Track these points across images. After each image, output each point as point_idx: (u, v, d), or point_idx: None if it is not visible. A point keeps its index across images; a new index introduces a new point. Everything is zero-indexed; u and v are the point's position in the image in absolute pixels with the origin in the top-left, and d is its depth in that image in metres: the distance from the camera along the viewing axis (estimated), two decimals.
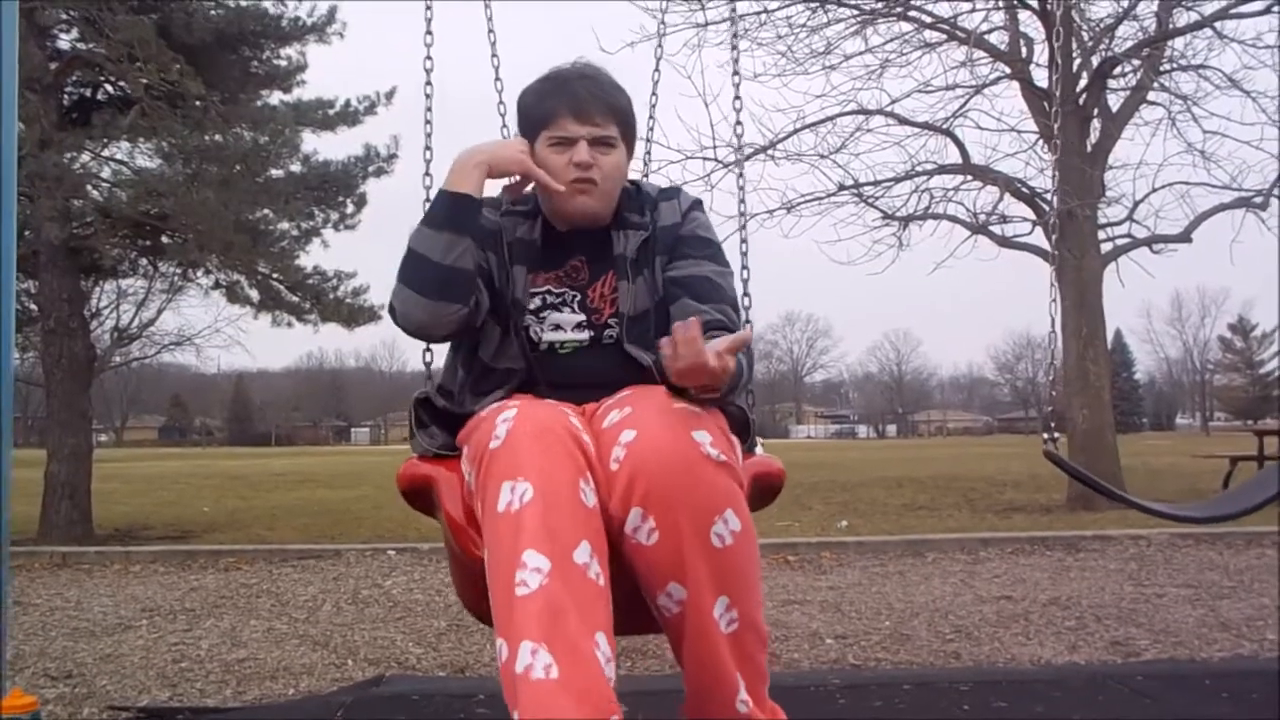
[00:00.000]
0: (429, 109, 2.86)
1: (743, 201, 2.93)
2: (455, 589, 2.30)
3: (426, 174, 2.75)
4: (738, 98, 3.02)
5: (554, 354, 2.25)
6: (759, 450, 2.33)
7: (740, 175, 3.14)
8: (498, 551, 1.76)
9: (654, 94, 3.32)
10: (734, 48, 3.14)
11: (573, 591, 1.70)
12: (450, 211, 2.14)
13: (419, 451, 2.25)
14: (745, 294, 2.56)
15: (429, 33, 2.89)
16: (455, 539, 2.04)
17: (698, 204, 2.40)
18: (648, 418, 1.89)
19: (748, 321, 2.47)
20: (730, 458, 1.86)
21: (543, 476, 1.78)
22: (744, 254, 2.74)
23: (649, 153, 3.44)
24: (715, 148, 10.87)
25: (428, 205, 2.21)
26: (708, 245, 2.33)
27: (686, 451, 1.82)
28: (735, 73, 3.05)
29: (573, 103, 2.21)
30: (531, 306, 2.26)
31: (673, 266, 2.27)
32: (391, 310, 2.21)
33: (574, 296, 2.27)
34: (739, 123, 3.07)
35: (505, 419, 1.88)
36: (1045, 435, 3.15)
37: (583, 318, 2.26)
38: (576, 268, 2.29)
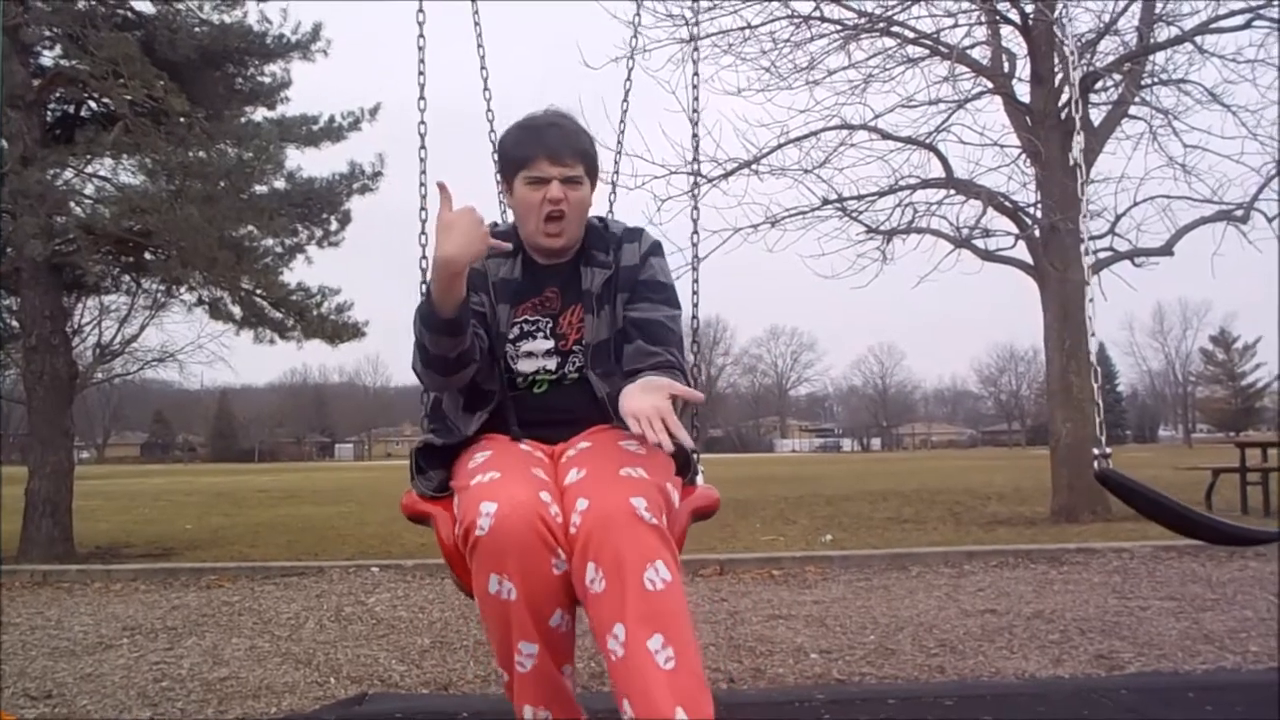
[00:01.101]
0: (422, 122, 3.06)
1: (695, 233, 3.23)
2: (451, 577, 2.60)
3: (423, 209, 3.09)
4: (696, 110, 3.22)
5: (530, 392, 2.65)
6: (700, 480, 2.78)
7: (695, 207, 3.39)
8: (494, 626, 2.30)
9: (625, 100, 3.52)
10: (695, 62, 3.21)
11: (552, 651, 2.30)
12: (449, 326, 2.39)
13: (418, 493, 2.65)
14: (695, 317, 3.09)
15: (421, 46, 2.96)
16: (450, 567, 2.49)
17: (656, 247, 2.75)
18: (598, 487, 2.28)
19: (696, 367, 2.93)
20: (659, 522, 2.22)
21: (524, 574, 2.22)
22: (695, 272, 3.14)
23: (617, 162, 3.63)
24: (699, 162, 10.86)
25: (425, 300, 2.41)
26: (663, 290, 2.70)
27: (626, 516, 2.20)
28: (695, 86, 3.20)
29: (547, 148, 2.58)
30: (511, 336, 2.64)
31: (631, 307, 2.65)
32: (416, 372, 2.54)
33: (546, 323, 2.65)
34: (695, 135, 3.36)
35: (488, 512, 2.23)
36: (1096, 450, 2.92)
37: (552, 344, 2.64)
38: (550, 298, 2.66)
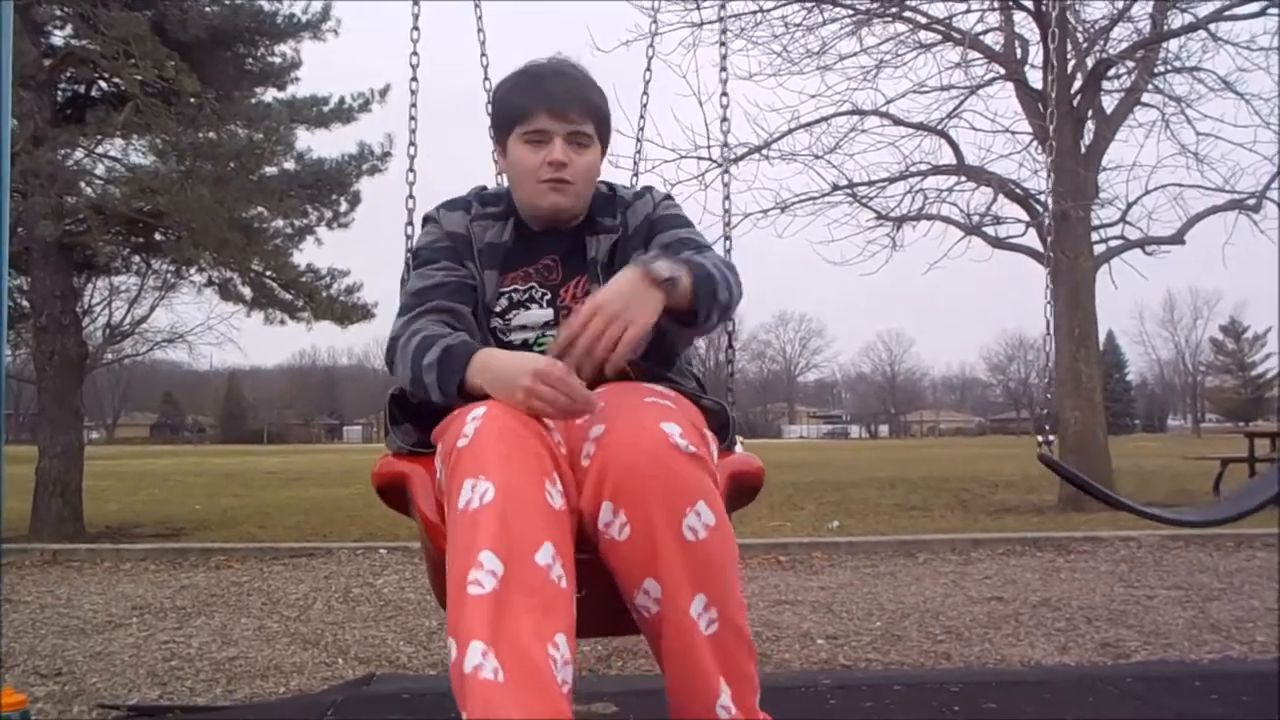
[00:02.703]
0: (414, 105, 2.87)
1: (727, 199, 3.00)
2: (431, 588, 2.26)
3: (410, 170, 2.80)
4: (724, 94, 3.09)
5: (527, 350, 2.18)
6: (738, 448, 2.32)
7: (726, 173, 3.23)
8: (454, 550, 1.72)
9: (645, 93, 3.33)
10: (722, 43, 3.16)
11: (530, 594, 1.66)
12: (458, 398, 1.97)
13: (393, 449, 2.22)
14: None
15: (415, 28, 2.89)
16: (428, 536, 2.01)
17: (668, 196, 2.39)
18: (617, 412, 1.87)
19: (730, 322, 2.45)
20: (701, 450, 1.83)
21: (505, 476, 1.74)
22: (728, 251, 2.76)
23: (639, 151, 3.42)
24: (710, 147, 10.86)
25: (448, 361, 2.00)
26: (678, 219, 2.32)
27: (655, 443, 1.80)
28: (723, 69, 3.11)
29: (549, 99, 2.17)
30: (497, 309, 2.24)
31: (653, 245, 2.24)
32: (402, 377, 2.11)
33: (543, 294, 2.24)
34: (725, 119, 3.15)
35: (475, 417, 1.83)
36: (1039, 438, 3.11)
37: (550, 315, 2.23)
38: (549, 266, 2.26)
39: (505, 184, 2.36)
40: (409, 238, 2.65)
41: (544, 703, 1.59)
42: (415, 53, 2.87)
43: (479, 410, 1.85)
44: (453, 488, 1.78)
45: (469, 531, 1.70)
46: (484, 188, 2.42)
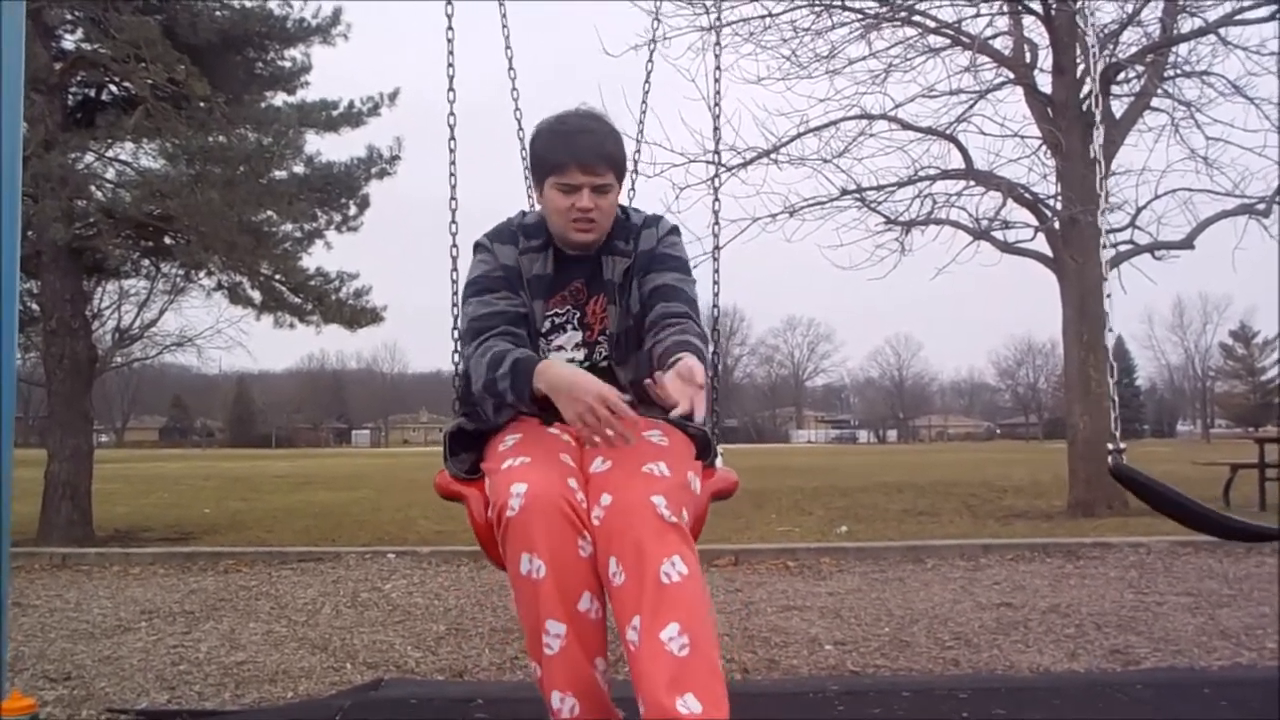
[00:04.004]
0: (452, 138, 3.19)
1: (716, 210, 3.26)
2: (486, 556, 2.66)
3: (452, 198, 3.20)
4: (717, 105, 3.22)
5: None
6: (719, 463, 2.84)
7: (716, 181, 3.43)
8: (525, 609, 2.34)
9: (644, 102, 3.48)
10: (717, 54, 3.22)
11: (581, 637, 2.32)
12: (528, 406, 2.51)
13: (451, 474, 2.72)
14: (716, 305, 3.14)
15: (451, 52, 2.99)
16: (482, 546, 2.56)
17: (674, 230, 2.84)
18: (621, 481, 2.35)
19: (715, 331, 3.01)
20: (679, 520, 2.29)
21: (552, 553, 2.29)
22: (716, 261, 3.18)
23: (638, 151, 3.59)
24: (718, 151, 10.84)
25: (519, 371, 2.49)
26: (675, 260, 2.78)
27: (647, 513, 2.27)
28: (716, 80, 3.19)
29: (578, 156, 2.62)
30: (543, 330, 2.73)
31: (647, 280, 2.73)
32: (475, 392, 2.62)
33: (574, 315, 2.74)
34: (717, 128, 3.39)
35: (518, 493, 2.31)
36: (1110, 446, 2.94)
37: (580, 335, 2.74)
38: (578, 289, 2.75)
39: (539, 209, 2.81)
40: (454, 259, 3.14)
41: (599, 711, 2.36)
42: (452, 88, 3.13)
43: (519, 485, 2.32)
44: (510, 555, 2.33)
45: (533, 599, 2.31)
46: (523, 212, 2.89)
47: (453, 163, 3.19)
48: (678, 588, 2.21)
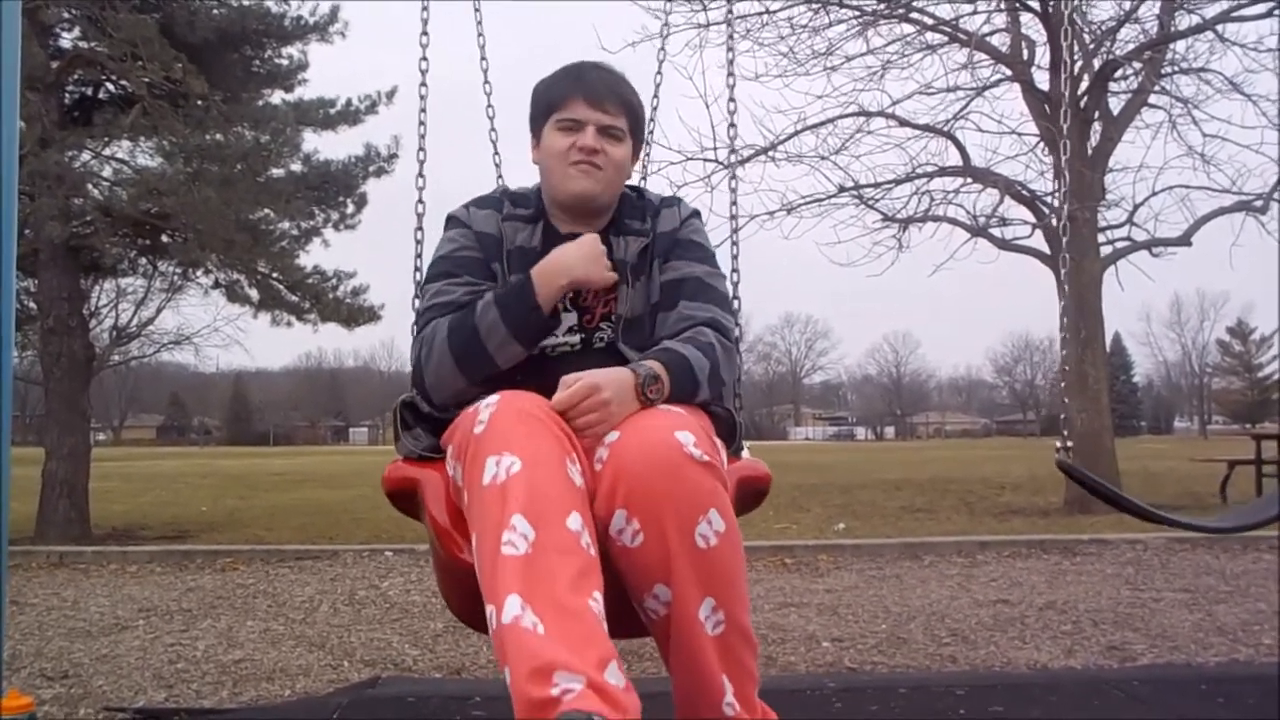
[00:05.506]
0: (423, 110, 2.89)
1: (734, 204, 2.99)
2: (441, 594, 2.29)
3: (420, 175, 2.83)
4: (732, 99, 3.07)
5: (543, 357, 2.23)
6: (745, 454, 2.36)
7: (733, 178, 3.21)
8: (484, 523, 1.75)
9: (655, 96, 3.32)
10: (730, 48, 3.16)
11: (564, 554, 1.69)
12: (533, 330, 2.14)
13: (404, 454, 2.26)
14: (736, 296, 2.59)
15: (424, 34, 2.90)
16: (440, 541, 2.03)
17: (696, 213, 2.42)
18: (632, 418, 1.92)
19: (738, 324, 2.46)
20: (714, 458, 1.86)
21: (529, 449, 1.78)
22: (734, 256, 2.78)
23: (648, 154, 3.43)
24: (715, 149, 10.86)
25: (506, 296, 2.15)
26: (701, 249, 2.35)
27: (669, 452, 1.82)
28: (730, 74, 3.09)
29: (586, 88, 2.25)
30: None
31: (668, 269, 2.29)
32: (419, 367, 2.20)
33: (568, 296, 2.24)
34: (733, 125, 3.14)
35: (489, 404, 1.88)
36: (1058, 444, 3.02)
37: (574, 319, 2.27)
38: None
39: (534, 182, 2.40)
40: (419, 243, 2.66)
41: (590, 645, 1.60)
42: (425, 58, 2.88)
43: (492, 398, 1.89)
44: (474, 470, 1.80)
45: (498, 501, 1.73)
46: (505, 187, 2.48)
47: (421, 149, 2.88)
48: (716, 552, 1.83)
